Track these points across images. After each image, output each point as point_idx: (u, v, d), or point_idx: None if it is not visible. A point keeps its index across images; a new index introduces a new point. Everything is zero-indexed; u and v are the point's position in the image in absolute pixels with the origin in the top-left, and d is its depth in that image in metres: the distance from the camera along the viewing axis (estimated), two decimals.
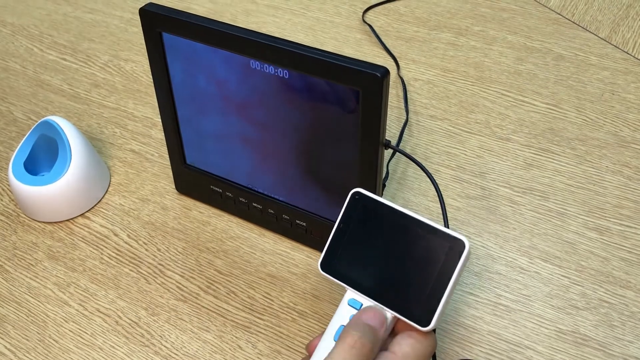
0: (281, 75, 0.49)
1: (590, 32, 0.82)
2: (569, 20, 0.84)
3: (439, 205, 0.63)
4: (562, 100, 0.73)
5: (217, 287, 0.57)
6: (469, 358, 0.51)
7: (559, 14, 0.86)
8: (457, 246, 0.42)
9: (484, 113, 0.72)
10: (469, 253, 0.42)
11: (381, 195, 0.53)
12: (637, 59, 0.78)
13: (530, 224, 0.60)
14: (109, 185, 0.66)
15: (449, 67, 0.79)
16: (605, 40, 0.81)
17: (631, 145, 0.67)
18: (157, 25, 0.52)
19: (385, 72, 0.44)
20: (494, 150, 0.68)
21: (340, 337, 0.41)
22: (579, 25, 0.84)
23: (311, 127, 0.51)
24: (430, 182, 0.64)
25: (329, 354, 0.40)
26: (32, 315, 0.56)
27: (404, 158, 0.67)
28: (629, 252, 0.58)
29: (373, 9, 0.89)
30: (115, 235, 0.62)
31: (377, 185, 0.51)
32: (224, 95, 0.54)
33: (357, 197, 0.46)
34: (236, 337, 0.53)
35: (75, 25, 0.90)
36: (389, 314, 0.43)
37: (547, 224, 0.60)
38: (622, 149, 0.67)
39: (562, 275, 0.56)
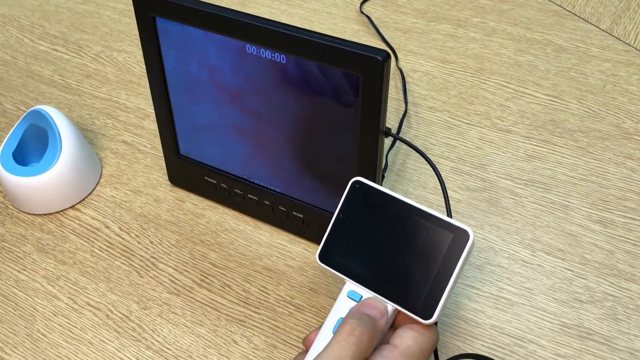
0: (278, 60, 0.47)
1: (591, 23, 0.81)
2: (570, 11, 0.83)
3: (438, 197, 0.61)
4: (563, 92, 0.72)
5: (212, 281, 0.55)
6: (471, 352, 0.50)
7: (560, 5, 0.84)
8: (460, 236, 0.40)
9: (484, 104, 0.71)
10: (473, 244, 0.40)
11: (380, 185, 0.51)
12: (638, 50, 0.77)
13: (533, 216, 0.59)
14: (100, 177, 0.65)
15: (448, 59, 0.77)
16: (606, 32, 0.80)
17: (634, 137, 0.66)
18: (150, 9, 0.51)
19: (387, 55, 0.43)
20: (494, 142, 0.66)
21: (338, 327, 0.40)
22: (579, 16, 0.82)
23: (309, 114, 0.49)
24: (430, 174, 0.63)
25: (327, 344, 0.39)
26: (20, 309, 0.54)
27: (402, 149, 0.66)
28: (634, 244, 0.56)
29: (370, 0, 0.87)
30: (107, 227, 0.60)
31: (376, 174, 0.49)
32: (219, 83, 0.52)
33: (357, 186, 0.44)
34: (231, 332, 0.52)
35: (67, 16, 0.88)
36: (390, 306, 0.41)
37: (549, 217, 0.59)
38: (625, 141, 0.66)
39: (566, 268, 0.55)
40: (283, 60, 0.47)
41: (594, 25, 0.81)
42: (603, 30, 0.80)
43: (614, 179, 0.62)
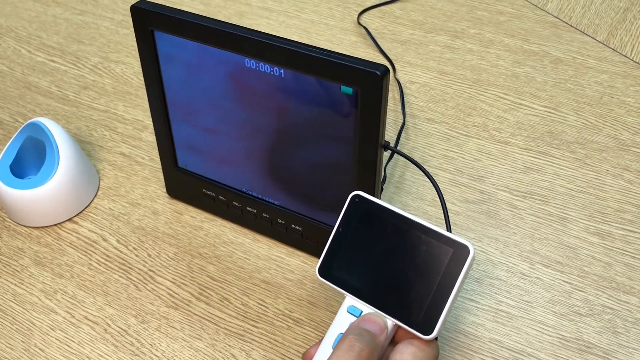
0: (277, 74, 0.47)
1: (587, 35, 0.81)
2: (566, 23, 0.84)
3: (437, 210, 0.61)
4: (560, 104, 0.72)
5: (210, 294, 0.55)
6: None
7: (556, 17, 0.85)
8: (461, 251, 0.40)
9: (482, 116, 0.71)
10: (473, 259, 0.40)
11: (379, 198, 0.51)
12: (635, 62, 0.77)
13: (531, 228, 0.59)
14: (98, 189, 0.64)
15: (445, 70, 0.77)
16: (603, 44, 0.80)
17: (631, 149, 0.66)
18: (149, 23, 0.51)
19: (386, 70, 0.43)
20: (492, 154, 0.67)
21: (338, 342, 0.40)
22: (576, 28, 0.83)
23: (308, 128, 0.49)
24: (429, 186, 0.63)
25: None
26: (17, 323, 0.54)
27: (401, 161, 0.66)
28: (632, 257, 0.56)
29: (368, 11, 0.88)
30: (104, 240, 0.60)
31: (375, 188, 0.49)
32: (217, 96, 0.52)
33: (357, 200, 0.44)
34: (229, 346, 0.52)
35: (64, 27, 0.88)
36: (390, 321, 0.41)
37: (548, 229, 0.59)
38: (622, 152, 0.66)
39: (564, 281, 0.55)
40: (282, 74, 0.47)
41: (590, 36, 0.81)
42: (600, 41, 0.80)
43: (611, 191, 0.62)
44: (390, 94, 0.75)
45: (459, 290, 0.40)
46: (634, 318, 0.52)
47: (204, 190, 0.60)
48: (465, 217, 0.60)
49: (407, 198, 0.62)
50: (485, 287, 0.55)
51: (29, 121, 0.62)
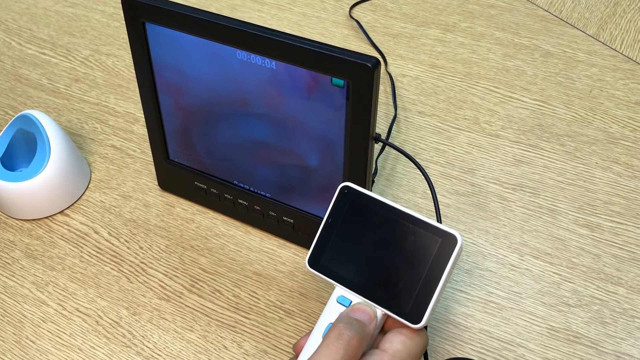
0: (268, 66, 0.48)
1: (578, 29, 0.82)
2: (557, 17, 0.84)
3: (428, 202, 0.62)
4: (550, 97, 0.72)
5: (202, 286, 0.55)
6: (460, 356, 0.50)
7: (547, 10, 0.85)
8: (449, 241, 0.41)
9: (473, 109, 0.71)
10: (461, 248, 0.41)
11: (370, 191, 0.51)
12: (624, 55, 0.78)
13: (521, 220, 0.60)
14: (89, 182, 0.64)
15: (437, 63, 0.78)
16: (593, 38, 0.80)
17: (620, 142, 0.67)
18: (140, 14, 0.51)
19: (377, 62, 0.43)
20: (483, 147, 0.67)
21: (327, 332, 0.40)
22: (566, 22, 0.83)
23: (299, 120, 0.49)
24: (420, 179, 0.64)
25: (316, 349, 0.39)
26: (8, 315, 0.54)
27: (392, 154, 0.66)
28: (620, 248, 0.57)
29: (360, 4, 0.88)
30: (96, 232, 0.60)
31: (366, 180, 0.50)
32: (209, 88, 0.52)
33: (346, 191, 0.44)
34: (221, 337, 0.52)
35: (55, 19, 0.88)
36: (379, 310, 0.42)
37: (537, 221, 0.59)
38: (611, 145, 0.67)
39: (553, 272, 0.55)
40: (273, 66, 0.47)
41: (580, 30, 0.82)
42: (590, 35, 0.81)
43: (600, 184, 0.63)
44: (381, 87, 0.75)
45: (447, 280, 0.41)
46: (621, 308, 0.53)
47: (195, 182, 0.60)
48: (455, 209, 0.61)
49: (398, 191, 0.63)
50: (475, 279, 0.55)
51: (20, 113, 0.62)
